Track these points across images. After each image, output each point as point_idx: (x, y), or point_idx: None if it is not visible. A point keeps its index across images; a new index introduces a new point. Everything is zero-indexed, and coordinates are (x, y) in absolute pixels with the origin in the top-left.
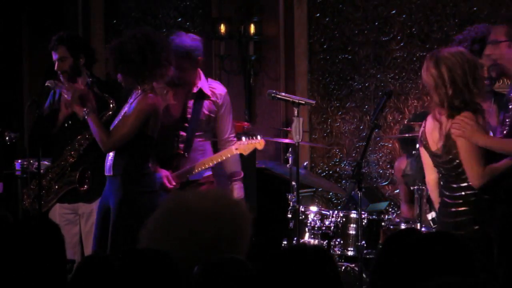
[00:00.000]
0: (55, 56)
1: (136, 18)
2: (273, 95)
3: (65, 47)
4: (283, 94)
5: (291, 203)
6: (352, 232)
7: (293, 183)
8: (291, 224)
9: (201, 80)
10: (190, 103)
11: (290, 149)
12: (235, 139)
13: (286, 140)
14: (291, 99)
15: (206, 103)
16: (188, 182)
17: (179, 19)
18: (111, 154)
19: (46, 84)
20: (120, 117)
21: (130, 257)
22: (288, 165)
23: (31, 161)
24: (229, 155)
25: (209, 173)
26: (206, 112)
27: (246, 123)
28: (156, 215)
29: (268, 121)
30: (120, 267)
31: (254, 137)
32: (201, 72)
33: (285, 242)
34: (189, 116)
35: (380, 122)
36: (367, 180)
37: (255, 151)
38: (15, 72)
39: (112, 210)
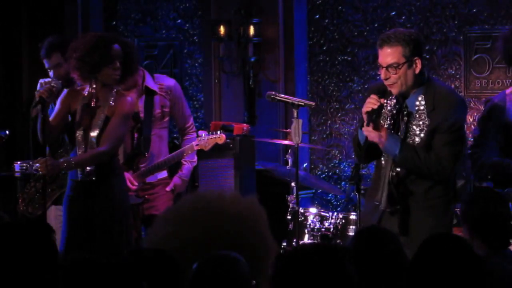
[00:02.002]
0: (47, 64)
1: (135, 19)
2: (272, 96)
3: (59, 53)
4: (283, 95)
5: (290, 204)
6: (351, 233)
7: (293, 184)
8: (290, 226)
9: (145, 79)
10: (141, 102)
11: (289, 151)
12: (195, 128)
13: (286, 142)
14: (290, 101)
15: (157, 99)
16: (144, 184)
17: (179, 21)
18: None
19: (52, 84)
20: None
21: (136, 257)
22: (287, 166)
23: (31, 162)
24: (190, 152)
25: (165, 174)
26: (159, 108)
27: (245, 124)
28: (171, 217)
29: (268, 123)
30: (126, 267)
31: (214, 133)
32: (145, 72)
33: (284, 244)
34: (142, 115)
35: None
36: (366, 182)
37: (254, 151)
38: (14, 72)
39: (102, 213)
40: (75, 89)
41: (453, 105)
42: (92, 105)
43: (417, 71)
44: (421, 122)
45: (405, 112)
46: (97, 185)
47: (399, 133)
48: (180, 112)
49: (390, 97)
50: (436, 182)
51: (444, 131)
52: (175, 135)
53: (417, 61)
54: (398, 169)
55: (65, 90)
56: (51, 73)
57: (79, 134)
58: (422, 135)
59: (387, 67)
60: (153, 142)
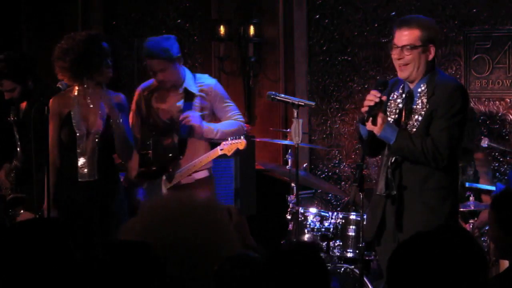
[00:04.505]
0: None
1: (135, 19)
2: (272, 96)
3: (10, 80)
4: (283, 95)
5: (290, 204)
6: (351, 233)
7: (293, 184)
8: (290, 226)
9: (185, 79)
10: (180, 104)
11: (289, 151)
12: (241, 118)
13: (286, 142)
14: (290, 101)
15: (197, 100)
16: (181, 186)
17: (179, 21)
18: (84, 159)
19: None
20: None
21: (113, 249)
22: (287, 166)
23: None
24: (214, 156)
25: (205, 174)
26: (199, 110)
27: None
28: (138, 218)
29: (268, 123)
30: (104, 259)
31: (237, 138)
32: (185, 70)
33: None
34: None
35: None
36: (367, 182)
37: (254, 151)
38: None
39: (102, 212)
40: (60, 94)
41: (451, 90)
42: (90, 105)
43: (430, 58)
44: (420, 107)
45: (409, 101)
46: (99, 185)
47: (402, 120)
48: (222, 111)
49: (397, 87)
50: (433, 171)
51: (441, 116)
52: None
53: (431, 48)
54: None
55: (51, 101)
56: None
57: (80, 134)
58: (420, 118)
59: (402, 47)
60: (189, 145)
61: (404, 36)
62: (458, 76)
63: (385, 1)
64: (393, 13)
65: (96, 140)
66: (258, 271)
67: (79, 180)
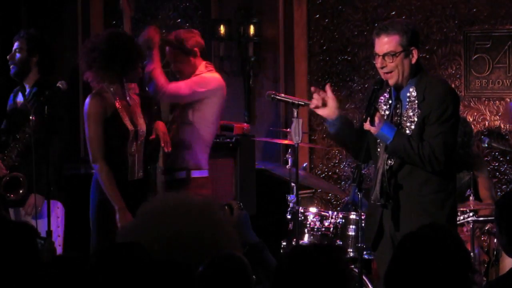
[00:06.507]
0: (14, 46)
1: (135, 19)
2: (272, 96)
3: (25, 40)
4: (283, 95)
5: (290, 204)
6: (351, 233)
7: (293, 184)
8: (290, 225)
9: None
10: None
11: (289, 150)
12: None
13: (286, 142)
14: (290, 100)
15: None
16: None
17: (179, 20)
18: (134, 158)
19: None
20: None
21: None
22: (287, 166)
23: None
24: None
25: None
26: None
27: (245, 124)
28: (140, 216)
29: (268, 123)
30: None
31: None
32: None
33: (284, 243)
34: None
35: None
36: (366, 181)
37: (254, 151)
38: None
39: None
40: (98, 94)
41: (442, 95)
42: (131, 104)
43: (413, 61)
44: (412, 114)
45: (398, 105)
46: (144, 182)
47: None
48: None
49: (384, 91)
50: (431, 176)
51: (434, 121)
52: None
53: (413, 51)
54: (391, 162)
55: (88, 100)
56: None
57: (131, 133)
58: (413, 126)
59: (384, 55)
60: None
61: (384, 44)
62: (458, 76)
63: (385, 0)
64: (393, 13)
65: (143, 138)
66: (247, 270)
67: (130, 179)
